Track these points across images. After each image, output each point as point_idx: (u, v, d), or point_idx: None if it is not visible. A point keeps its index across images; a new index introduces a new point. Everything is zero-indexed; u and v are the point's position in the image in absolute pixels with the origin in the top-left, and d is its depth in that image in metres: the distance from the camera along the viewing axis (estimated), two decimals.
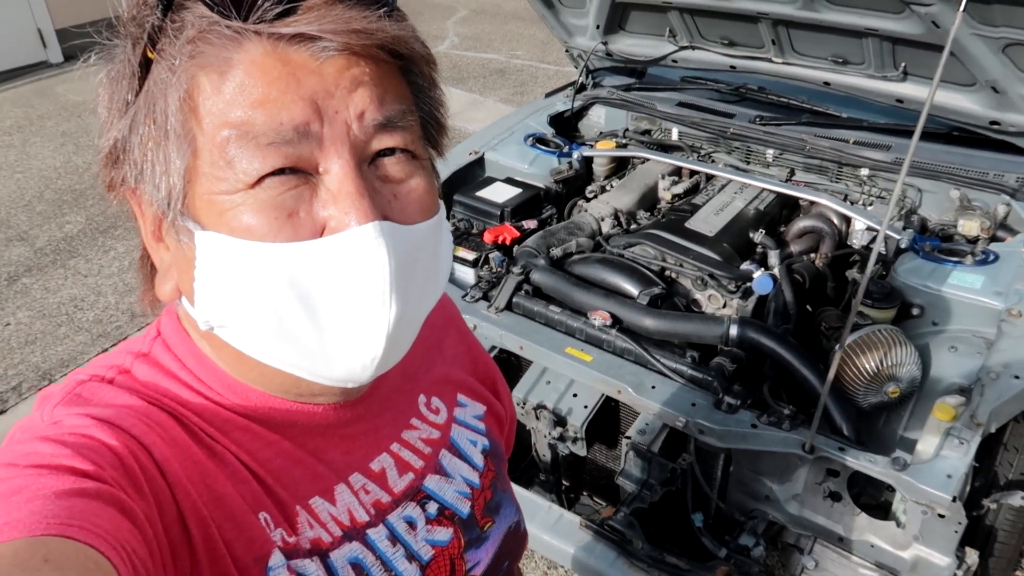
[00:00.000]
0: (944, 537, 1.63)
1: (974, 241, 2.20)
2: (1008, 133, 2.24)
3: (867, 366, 1.84)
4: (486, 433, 0.82)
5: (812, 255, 2.27)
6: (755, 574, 1.70)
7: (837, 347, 1.58)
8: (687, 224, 2.31)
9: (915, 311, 2.04)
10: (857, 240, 2.37)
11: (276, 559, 0.58)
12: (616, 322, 2.02)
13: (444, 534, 0.72)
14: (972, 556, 1.70)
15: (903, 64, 2.27)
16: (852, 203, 2.43)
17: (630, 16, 2.73)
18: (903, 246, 2.18)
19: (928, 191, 2.42)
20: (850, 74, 2.41)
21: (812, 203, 2.48)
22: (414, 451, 0.73)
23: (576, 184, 2.73)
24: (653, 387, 1.88)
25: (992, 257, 2.08)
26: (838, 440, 1.72)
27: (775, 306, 2.07)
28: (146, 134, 0.55)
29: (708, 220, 2.33)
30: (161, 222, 0.58)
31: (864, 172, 2.48)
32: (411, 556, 0.68)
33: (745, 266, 2.17)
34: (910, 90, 2.33)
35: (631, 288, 2.13)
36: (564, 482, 2.21)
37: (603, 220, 2.46)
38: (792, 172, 2.61)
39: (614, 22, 2.76)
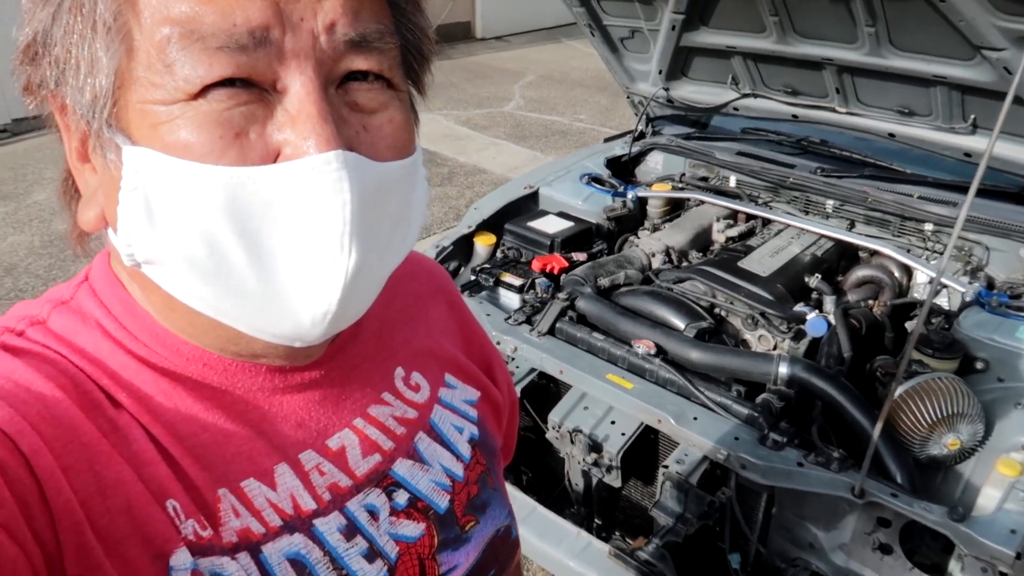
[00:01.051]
0: None
1: None
2: None
3: (925, 414, 1.74)
4: (477, 422, 0.72)
5: (870, 302, 2.19)
6: None
7: (893, 386, 1.50)
8: (740, 263, 2.26)
9: (979, 365, 1.93)
10: (919, 293, 2.29)
11: (180, 559, 0.48)
12: (660, 352, 1.97)
13: (413, 529, 0.61)
14: None
15: (973, 116, 2.22)
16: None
17: (693, 62, 2.74)
18: (968, 299, 2.09)
19: (997, 250, 2.32)
20: (916, 126, 2.36)
21: (872, 253, 2.41)
22: (383, 430, 0.63)
23: (629, 224, 2.72)
24: (695, 418, 1.81)
25: None
26: (891, 486, 1.61)
27: (828, 350, 1.98)
28: (71, 25, 0.46)
29: (762, 261, 2.28)
30: (87, 138, 0.50)
31: (928, 227, 2.41)
32: (374, 554, 0.58)
33: (799, 308, 2.10)
34: (979, 144, 2.27)
35: (678, 321, 2.08)
36: (597, 520, 2.12)
37: (654, 256, 2.43)
38: (852, 224, 2.55)
39: (677, 68, 2.78)
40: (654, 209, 2.77)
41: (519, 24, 10.62)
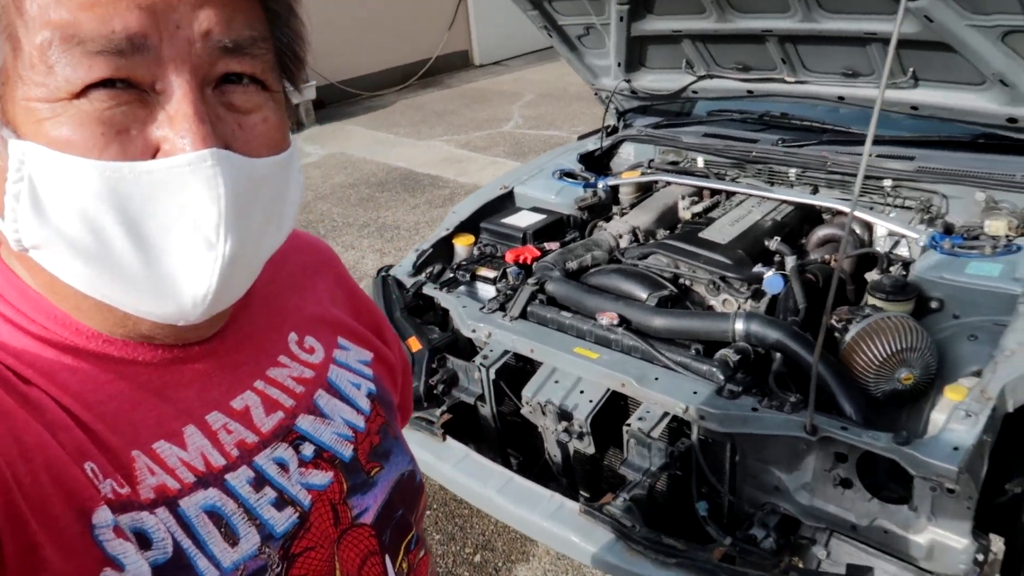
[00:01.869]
0: (957, 516, 1.54)
1: (1008, 240, 2.14)
2: None
3: (877, 352, 1.79)
4: (374, 379, 0.78)
5: (826, 257, 2.25)
6: (756, 558, 1.64)
7: (824, 320, 1.57)
8: (701, 234, 2.34)
9: (934, 304, 1.98)
10: (880, 246, 2.34)
11: (101, 516, 0.51)
12: (624, 323, 2.05)
13: (321, 478, 0.67)
14: (997, 543, 1.60)
15: (912, 69, 2.29)
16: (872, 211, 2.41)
17: (648, 51, 2.84)
18: (922, 244, 2.14)
19: (955, 197, 2.37)
20: (862, 86, 2.43)
21: (835, 214, 2.47)
22: (282, 389, 0.68)
23: (601, 212, 2.81)
24: (656, 379, 1.88)
25: (1015, 248, 2.03)
26: (840, 420, 1.67)
27: (785, 304, 2.05)
28: None
29: (723, 230, 2.36)
30: None
31: (887, 183, 2.47)
32: (286, 501, 0.63)
33: (758, 269, 2.17)
34: (923, 96, 2.33)
35: (641, 292, 2.16)
36: (583, 493, 2.19)
37: (621, 237, 2.52)
38: (815, 189, 2.62)
39: (634, 59, 2.88)
40: (626, 196, 2.86)
41: (516, 48, 10.81)
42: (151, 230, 0.51)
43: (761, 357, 1.95)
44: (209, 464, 0.59)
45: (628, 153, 3.15)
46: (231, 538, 0.58)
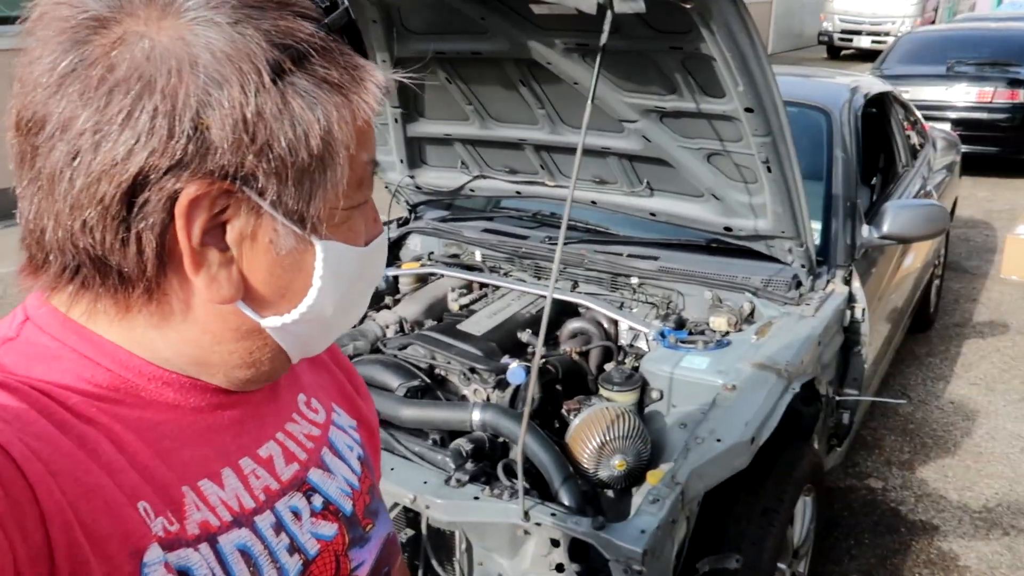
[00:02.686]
0: None
1: (725, 335, 2.38)
2: (741, 237, 2.50)
3: (593, 440, 1.93)
4: (361, 444, 0.85)
5: (566, 349, 2.42)
6: None
7: (525, 410, 1.68)
8: (459, 326, 2.45)
9: (655, 395, 2.17)
10: (624, 339, 2.54)
11: (152, 554, 0.55)
12: None
13: (329, 528, 0.72)
14: None
15: (646, 180, 2.55)
16: (623, 307, 2.62)
17: (427, 151, 3.00)
18: (651, 339, 2.35)
19: (690, 295, 2.63)
20: (609, 192, 2.68)
21: (587, 308, 2.66)
22: (297, 443, 0.74)
23: (377, 302, 2.87)
24: (392, 469, 1.92)
25: (726, 343, 2.27)
26: (554, 507, 1.77)
27: (525, 395, 2.17)
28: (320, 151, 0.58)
29: (480, 322, 2.48)
30: (225, 226, 0.58)
31: (634, 280, 2.70)
32: (294, 548, 0.67)
33: (505, 360, 2.29)
34: (658, 204, 2.60)
35: (394, 382, 2.22)
36: None
37: (388, 327, 2.59)
38: (575, 284, 2.81)
39: (415, 157, 3.03)
40: (405, 287, 2.94)
41: None
42: (364, 289, 0.71)
43: (500, 446, 2.05)
44: (242, 505, 0.65)
45: (415, 244, 3.26)
46: None
